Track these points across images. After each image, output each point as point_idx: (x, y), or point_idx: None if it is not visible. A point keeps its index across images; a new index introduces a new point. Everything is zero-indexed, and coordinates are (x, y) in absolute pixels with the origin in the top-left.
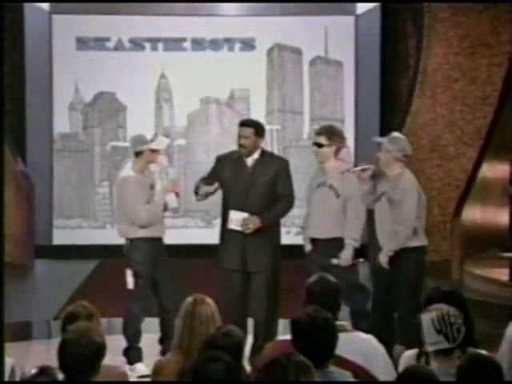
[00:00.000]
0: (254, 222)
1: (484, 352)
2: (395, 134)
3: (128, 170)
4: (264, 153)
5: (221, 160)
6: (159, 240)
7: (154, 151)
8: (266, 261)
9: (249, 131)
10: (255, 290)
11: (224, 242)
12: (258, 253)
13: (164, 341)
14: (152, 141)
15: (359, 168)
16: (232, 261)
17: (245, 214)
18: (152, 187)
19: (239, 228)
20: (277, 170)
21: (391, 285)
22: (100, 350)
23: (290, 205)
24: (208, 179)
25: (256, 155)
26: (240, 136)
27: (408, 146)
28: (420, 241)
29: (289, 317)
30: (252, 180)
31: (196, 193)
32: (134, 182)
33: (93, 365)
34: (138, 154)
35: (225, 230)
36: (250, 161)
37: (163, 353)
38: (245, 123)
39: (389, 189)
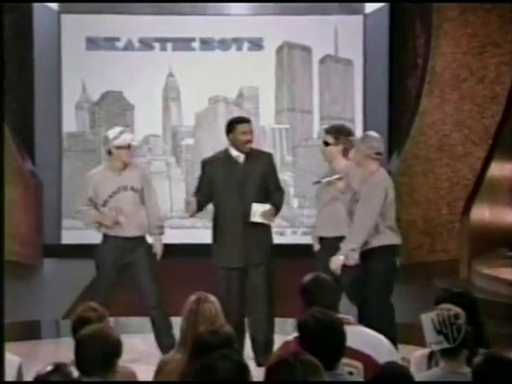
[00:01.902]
0: (273, 213)
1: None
2: (369, 132)
3: (99, 167)
4: (251, 149)
5: (208, 163)
6: (124, 239)
7: (119, 148)
8: (264, 254)
9: (251, 126)
10: (254, 286)
11: (221, 240)
12: (257, 246)
13: (158, 339)
14: (115, 139)
15: (333, 178)
16: (232, 259)
17: (267, 206)
18: (126, 189)
19: (262, 220)
20: (265, 164)
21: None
22: (117, 347)
23: (283, 198)
24: (199, 197)
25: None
26: (246, 132)
27: (379, 143)
28: (388, 239)
29: (294, 316)
30: (245, 177)
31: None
32: (84, 182)
33: (110, 362)
34: (109, 153)
35: (219, 229)
36: (241, 158)
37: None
38: (247, 119)
39: (361, 187)
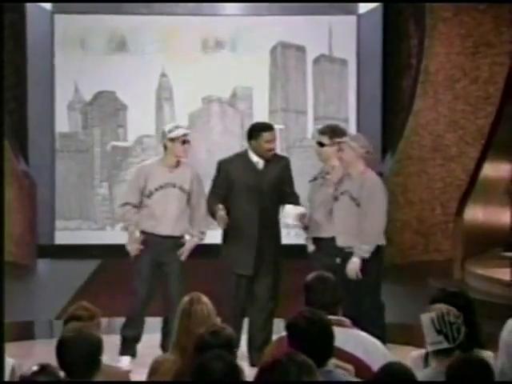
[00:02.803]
0: (306, 216)
1: (486, 352)
2: (356, 133)
3: (151, 160)
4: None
5: (225, 164)
6: (162, 237)
7: (173, 141)
8: (274, 262)
9: (275, 134)
10: (260, 291)
11: (233, 244)
12: (269, 254)
13: (165, 340)
14: (170, 131)
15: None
16: (243, 266)
17: (302, 209)
18: (174, 186)
19: (296, 223)
20: (282, 169)
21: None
22: (97, 346)
23: (299, 203)
24: (216, 200)
25: None
26: (271, 140)
27: (369, 143)
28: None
29: (288, 315)
30: (262, 182)
31: (213, 215)
32: (135, 172)
33: (92, 361)
34: (165, 148)
35: (231, 231)
36: (260, 164)
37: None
38: (272, 127)
39: (351, 187)
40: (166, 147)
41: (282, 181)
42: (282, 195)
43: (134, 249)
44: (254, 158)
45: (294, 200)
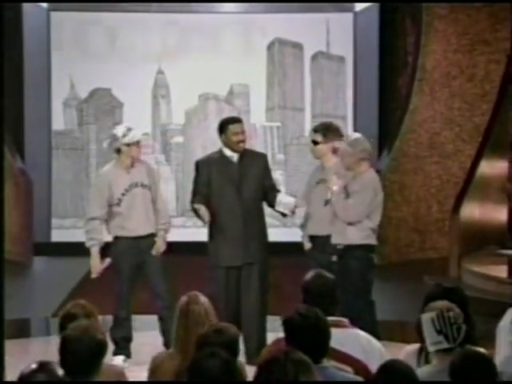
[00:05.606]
0: (294, 208)
1: (480, 349)
2: (355, 135)
3: (108, 166)
4: (245, 149)
5: (202, 164)
6: (137, 238)
7: (129, 145)
8: (261, 253)
9: (243, 126)
10: (249, 284)
11: (220, 239)
12: (255, 245)
13: (166, 338)
14: (124, 136)
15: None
16: (233, 257)
17: (292, 199)
18: (137, 185)
19: (287, 212)
20: (261, 165)
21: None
22: (102, 347)
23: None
24: (201, 199)
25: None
26: (238, 132)
27: (368, 143)
28: (369, 239)
29: (284, 313)
30: (241, 176)
31: (197, 215)
32: (96, 184)
33: (95, 362)
34: (118, 151)
35: (217, 227)
36: (235, 158)
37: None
38: (238, 119)
39: (351, 184)
40: (119, 150)
41: (261, 177)
42: (264, 190)
43: (96, 271)
44: (228, 152)
45: (276, 193)
